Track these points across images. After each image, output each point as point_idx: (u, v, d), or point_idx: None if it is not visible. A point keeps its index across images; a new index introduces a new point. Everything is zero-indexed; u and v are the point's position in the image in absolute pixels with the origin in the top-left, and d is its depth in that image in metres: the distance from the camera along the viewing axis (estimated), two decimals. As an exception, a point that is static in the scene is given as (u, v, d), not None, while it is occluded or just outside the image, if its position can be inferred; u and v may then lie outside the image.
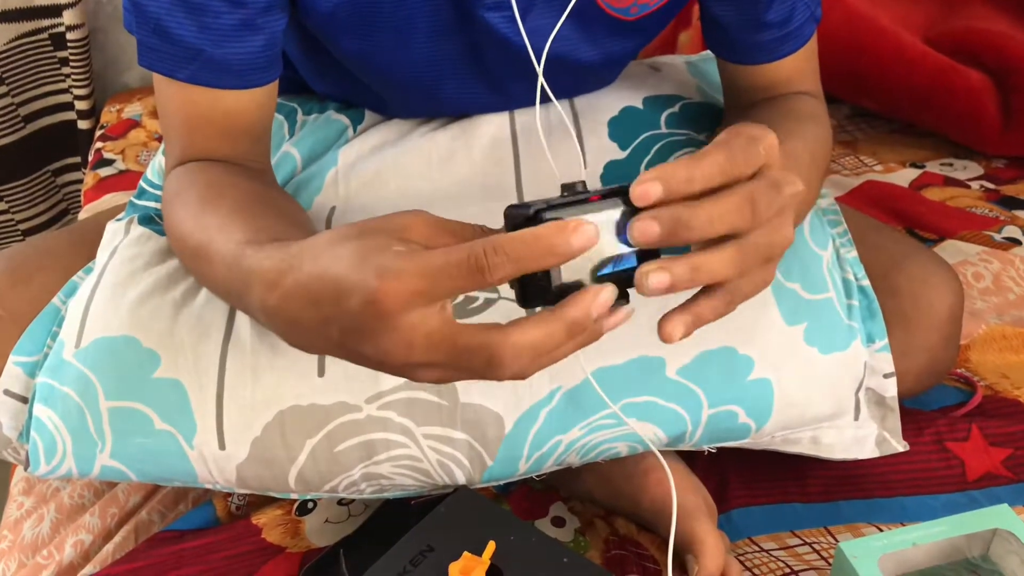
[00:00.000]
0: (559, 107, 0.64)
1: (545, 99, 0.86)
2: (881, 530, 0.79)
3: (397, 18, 0.73)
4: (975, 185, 1.24)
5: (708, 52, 1.01)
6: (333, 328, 0.46)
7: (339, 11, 0.73)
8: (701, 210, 0.44)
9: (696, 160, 0.45)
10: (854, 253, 0.82)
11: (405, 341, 0.44)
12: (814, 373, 0.75)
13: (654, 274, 0.44)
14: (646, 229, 0.43)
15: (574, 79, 0.85)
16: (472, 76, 0.81)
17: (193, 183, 0.70)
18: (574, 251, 0.42)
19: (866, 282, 0.80)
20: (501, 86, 0.83)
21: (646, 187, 0.43)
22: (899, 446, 0.80)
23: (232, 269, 0.56)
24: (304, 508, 0.83)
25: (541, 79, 0.63)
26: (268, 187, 0.73)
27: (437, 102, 0.85)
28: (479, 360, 0.44)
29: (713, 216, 0.44)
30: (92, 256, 0.81)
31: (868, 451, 0.80)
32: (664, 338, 0.47)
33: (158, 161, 0.88)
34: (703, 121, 0.88)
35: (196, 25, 0.68)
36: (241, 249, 0.55)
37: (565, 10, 0.73)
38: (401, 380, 0.68)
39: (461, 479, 0.74)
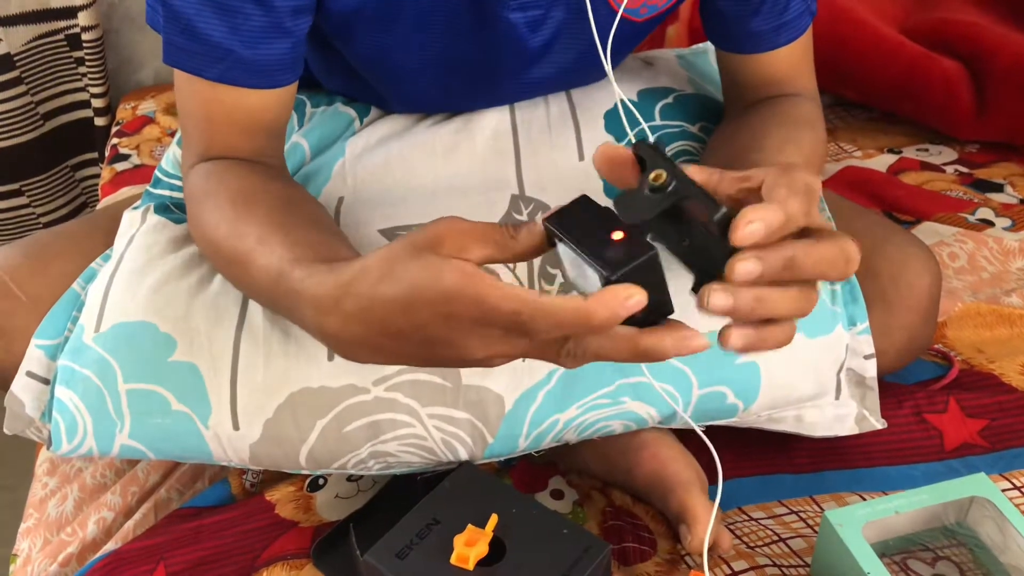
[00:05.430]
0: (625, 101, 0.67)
1: (540, 91, 0.86)
2: (864, 499, 0.79)
3: (418, 12, 0.72)
4: (950, 169, 1.24)
5: (698, 46, 1.00)
6: (405, 342, 0.49)
7: (366, 7, 0.71)
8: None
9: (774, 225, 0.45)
10: (836, 240, 0.81)
11: (482, 343, 0.47)
12: (799, 356, 0.75)
13: (716, 294, 0.45)
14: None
15: (575, 75, 0.84)
16: (478, 73, 0.80)
17: (223, 186, 0.68)
18: (617, 323, 0.44)
19: (848, 268, 0.79)
20: (502, 84, 0.82)
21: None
22: (877, 424, 0.80)
23: (279, 286, 0.56)
24: (315, 484, 0.83)
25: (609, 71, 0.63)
26: (293, 188, 0.72)
27: (444, 96, 0.84)
28: (553, 352, 0.47)
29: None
30: (109, 243, 0.80)
31: (848, 428, 0.80)
32: (722, 341, 0.47)
33: (172, 152, 0.87)
34: (696, 112, 0.87)
35: (227, 26, 0.66)
36: (288, 268, 0.55)
37: (577, 9, 0.72)
38: None
39: (464, 456, 0.74)
